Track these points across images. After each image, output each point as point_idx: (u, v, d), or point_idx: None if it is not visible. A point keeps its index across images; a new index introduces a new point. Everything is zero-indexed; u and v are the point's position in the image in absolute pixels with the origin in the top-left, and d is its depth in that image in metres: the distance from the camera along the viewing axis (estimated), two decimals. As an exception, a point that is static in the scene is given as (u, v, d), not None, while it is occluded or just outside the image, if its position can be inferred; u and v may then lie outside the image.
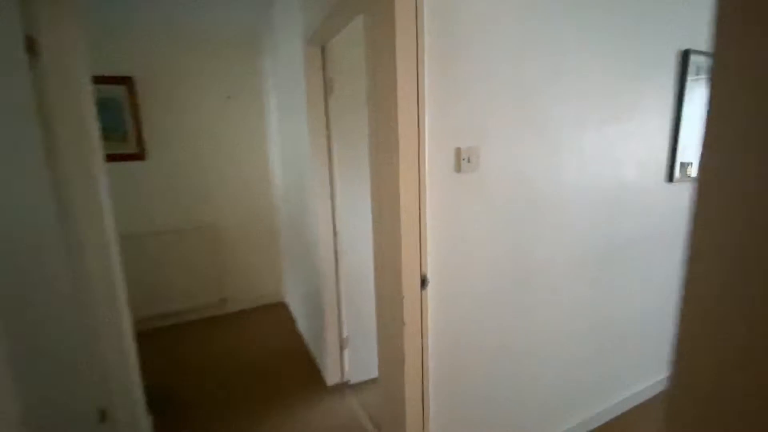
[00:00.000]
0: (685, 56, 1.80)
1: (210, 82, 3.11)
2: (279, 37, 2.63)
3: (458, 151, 1.27)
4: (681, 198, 2.02)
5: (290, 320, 3.21)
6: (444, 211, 1.29)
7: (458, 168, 1.28)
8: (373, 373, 2.24)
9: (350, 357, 2.29)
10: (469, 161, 1.29)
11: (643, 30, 1.64)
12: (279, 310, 3.45)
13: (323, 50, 1.96)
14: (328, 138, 2.03)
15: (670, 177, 1.90)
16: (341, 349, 2.31)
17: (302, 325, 2.94)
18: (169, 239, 3.11)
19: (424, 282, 1.25)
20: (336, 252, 2.17)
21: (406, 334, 1.22)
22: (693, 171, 1.99)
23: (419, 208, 1.21)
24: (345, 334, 2.28)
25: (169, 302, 3.17)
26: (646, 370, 2.12)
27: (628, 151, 1.73)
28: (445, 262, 1.32)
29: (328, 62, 1.96)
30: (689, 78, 1.82)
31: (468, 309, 1.41)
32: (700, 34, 1.86)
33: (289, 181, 2.79)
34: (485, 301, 1.45)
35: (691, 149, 1.96)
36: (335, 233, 2.14)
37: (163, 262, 3.11)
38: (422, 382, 1.29)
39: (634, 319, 1.99)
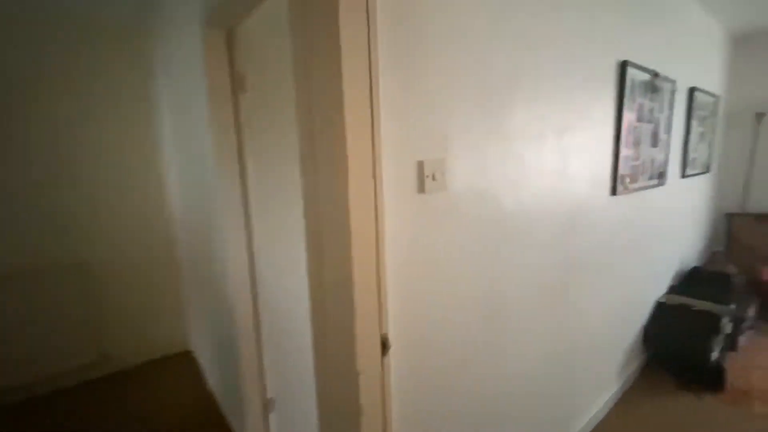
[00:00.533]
0: (623, 67, 1.77)
1: (72, 79, 2.41)
2: (169, 16, 2.08)
3: (421, 166, 0.96)
4: (624, 210, 2.00)
5: (197, 375, 2.59)
6: (408, 247, 0.97)
7: (422, 187, 0.97)
8: (309, 439, 1.81)
9: (278, 423, 1.82)
10: (434, 178, 0.99)
11: (588, 38, 1.54)
12: (182, 362, 2.78)
13: (230, 35, 1.53)
14: (241, 151, 1.58)
15: (614, 190, 1.85)
16: (265, 412, 1.83)
17: (214, 380, 2.36)
18: (15, 286, 2.29)
19: (385, 346, 0.90)
20: (254, 292, 1.71)
21: (363, 425, 0.86)
22: (630, 183, 1.98)
23: (376, 246, 0.87)
24: (269, 394, 1.81)
25: (19, 370, 2.32)
26: (603, 385, 2.05)
27: (582, 164, 1.62)
28: (410, 314, 0.99)
29: (238, 51, 1.53)
30: (627, 90, 1.80)
31: (440, 373, 1.10)
32: (635, 47, 1.86)
33: (191, 205, 2.22)
34: (460, 359, 1.16)
35: (631, 162, 1.95)
36: (253, 268, 1.69)
37: (7, 316, 2.27)
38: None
39: (593, 337, 1.90)
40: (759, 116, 3.44)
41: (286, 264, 1.41)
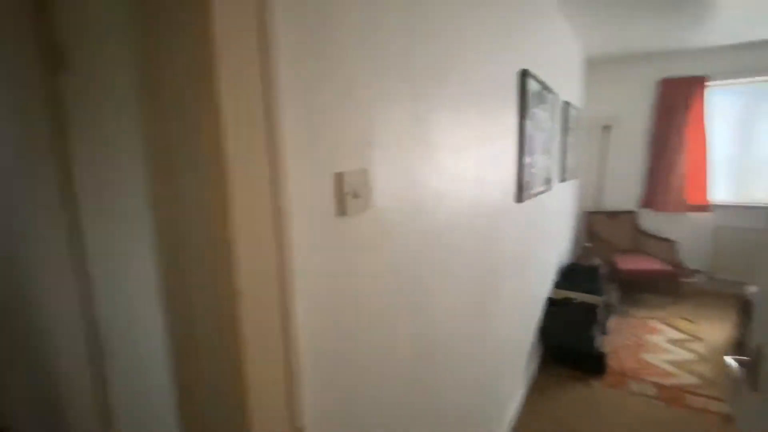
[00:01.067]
0: (524, 76, 1.79)
1: None
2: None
3: (340, 180, 0.71)
4: (526, 217, 2.04)
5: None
6: (328, 290, 0.70)
7: (342, 208, 0.71)
8: None
9: None
10: (356, 195, 0.74)
11: (497, 45, 1.49)
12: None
13: (39, -14, 1.04)
14: (64, 153, 1.09)
15: (519, 197, 1.87)
16: None
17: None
18: None
19: (300, 443, 0.62)
20: (98, 359, 1.22)
21: None
22: (530, 189, 2.04)
23: (283, 299, 0.59)
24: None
25: None
26: (515, 390, 2.07)
27: (495, 173, 1.56)
28: (333, 388, 0.73)
29: (58, 13, 1.05)
30: (527, 98, 1.83)
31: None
32: (530, 59, 1.91)
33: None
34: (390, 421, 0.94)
35: (531, 169, 2.00)
36: (93, 325, 1.19)
37: None
38: None
39: (508, 344, 1.88)
40: (606, 128, 4.08)
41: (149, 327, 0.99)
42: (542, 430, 2.02)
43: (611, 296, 3.07)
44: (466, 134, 1.25)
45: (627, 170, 4.13)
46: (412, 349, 1.01)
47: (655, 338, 2.91)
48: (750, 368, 0.82)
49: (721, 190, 3.77)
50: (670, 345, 2.81)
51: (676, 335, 2.95)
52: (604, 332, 2.81)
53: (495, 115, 1.51)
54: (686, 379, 2.38)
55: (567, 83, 3.01)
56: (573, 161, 3.47)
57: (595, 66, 4.09)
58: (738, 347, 2.79)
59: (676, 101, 3.69)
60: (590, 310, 2.60)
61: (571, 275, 3.19)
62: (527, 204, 2.03)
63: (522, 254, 2.05)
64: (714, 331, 3.00)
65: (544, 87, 2.14)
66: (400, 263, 0.92)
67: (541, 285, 2.66)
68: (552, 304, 2.72)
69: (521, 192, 1.86)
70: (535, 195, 2.16)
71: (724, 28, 3.07)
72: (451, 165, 1.15)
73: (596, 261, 3.22)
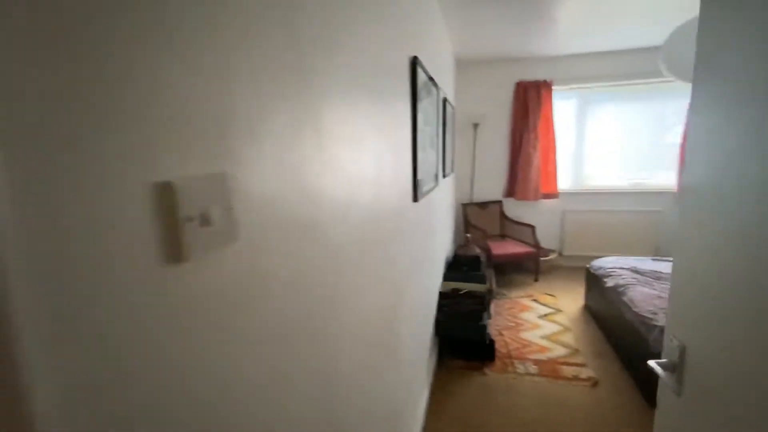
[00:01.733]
0: (414, 64, 1.64)
1: None
2: None
3: (168, 195, 0.37)
4: (422, 216, 1.93)
5: None
6: None
7: (175, 251, 0.38)
8: None
9: None
10: (206, 223, 0.42)
11: (387, 26, 1.29)
12: None
13: None
14: None
15: (415, 196, 1.73)
16: None
17: None
18: None
19: None
20: None
21: None
22: (426, 188, 1.93)
23: None
24: None
25: None
26: (419, 391, 1.95)
27: (393, 170, 1.37)
28: None
29: None
30: (418, 88, 1.69)
31: None
32: (419, 48, 1.77)
33: None
34: None
35: (424, 166, 1.88)
36: None
37: None
38: None
39: (412, 350, 1.73)
40: (475, 126, 4.39)
41: None
42: (447, 430, 1.97)
43: (491, 281, 3.28)
44: (363, 123, 1.00)
45: (493, 164, 4.53)
46: (315, 404, 0.73)
47: (528, 315, 3.22)
48: (673, 371, 0.79)
49: (566, 179, 4.43)
50: (540, 320, 3.13)
51: (543, 310, 3.32)
52: (489, 317, 2.97)
53: (389, 104, 1.30)
54: (558, 350, 2.66)
55: (444, 80, 3.05)
56: (451, 156, 3.60)
57: (464, 66, 4.35)
58: (587, 310, 3.28)
59: (530, 102, 4.17)
60: (478, 299, 2.69)
61: (456, 266, 3.30)
62: (422, 202, 1.92)
63: (419, 254, 1.94)
64: (570, 301, 3.48)
65: (430, 79, 2.06)
66: (290, 330, 0.63)
67: (434, 280, 2.64)
68: (443, 297, 2.73)
69: (417, 190, 1.73)
70: (428, 192, 2.08)
71: (564, 40, 3.55)
72: (349, 163, 0.89)
73: (476, 250, 3.42)
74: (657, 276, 2.74)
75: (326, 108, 0.77)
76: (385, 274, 1.26)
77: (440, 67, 2.74)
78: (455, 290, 2.88)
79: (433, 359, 2.48)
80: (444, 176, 3.06)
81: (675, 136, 4.02)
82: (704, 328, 0.72)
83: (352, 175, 0.91)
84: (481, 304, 2.63)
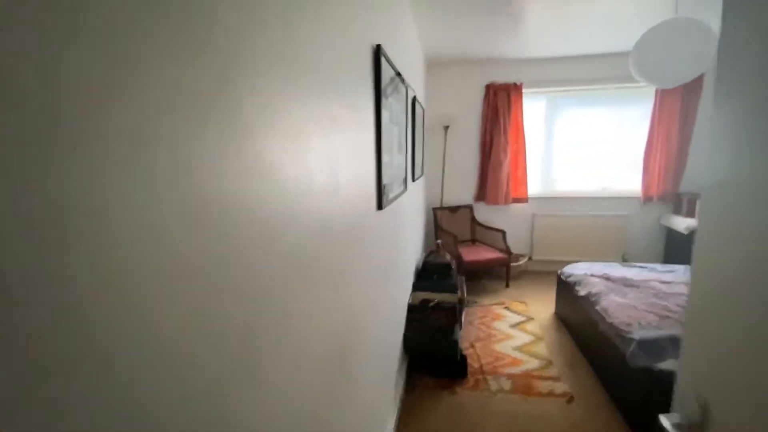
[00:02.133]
0: (377, 53, 1.44)
1: None
2: None
3: None
4: (389, 225, 1.73)
5: None
6: None
7: None
8: None
9: None
10: None
11: (347, 5, 1.09)
12: None
13: None
14: None
15: (380, 203, 1.54)
16: None
17: None
18: None
19: None
20: None
21: None
22: (394, 194, 1.74)
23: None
24: None
25: None
26: (389, 411, 1.75)
27: (352, 174, 1.17)
28: None
29: None
30: (383, 82, 1.49)
31: None
32: (384, 39, 1.58)
33: None
34: None
35: (391, 169, 1.69)
36: None
37: None
38: None
39: (380, 370, 1.53)
40: (446, 128, 4.27)
41: None
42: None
43: (462, 290, 3.14)
44: (311, 118, 0.79)
45: (463, 167, 4.43)
46: None
47: (500, 324, 3.10)
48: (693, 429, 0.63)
49: (535, 183, 4.39)
50: (512, 330, 3.02)
51: (515, 318, 3.21)
52: (461, 327, 2.82)
53: (346, 97, 1.10)
54: (531, 363, 2.55)
55: (414, 79, 2.89)
56: (421, 159, 3.44)
57: (434, 67, 4.22)
58: (558, 317, 3.21)
59: (500, 105, 4.10)
60: (449, 312, 2.53)
61: (426, 275, 3.14)
62: (389, 210, 1.73)
63: (385, 267, 1.75)
64: (541, 308, 3.40)
65: (398, 74, 1.87)
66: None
67: (403, 292, 2.45)
68: (412, 310, 2.56)
69: (382, 197, 1.53)
70: (395, 198, 1.89)
71: (535, 42, 3.49)
72: (288, 166, 0.68)
73: (447, 257, 3.28)
74: (628, 283, 2.69)
75: (248, 93, 0.55)
76: (340, 297, 1.05)
77: (409, 64, 2.57)
78: (425, 301, 2.71)
79: (402, 378, 2.30)
80: (414, 180, 2.89)
81: (640, 141, 4.07)
82: (738, 381, 0.56)
83: (292, 181, 0.70)
84: (452, 316, 2.47)
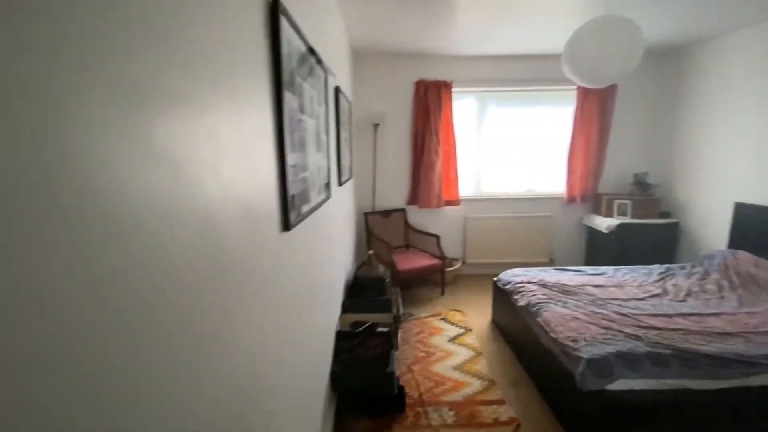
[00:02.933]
0: (274, 11, 1.03)
1: None
2: None
3: None
4: (300, 247, 1.32)
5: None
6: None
7: None
8: None
9: None
10: None
11: None
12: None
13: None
14: None
15: (286, 222, 1.12)
16: None
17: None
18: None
19: None
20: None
21: None
22: (302, 204, 1.34)
23: None
24: None
25: None
26: None
27: (237, 182, 0.74)
28: None
29: None
30: (284, 54, 1.08)
31: None
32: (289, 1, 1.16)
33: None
34: None
35: (303, 173, 1.28)
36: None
37: None
38: None
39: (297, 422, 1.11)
40: (375, 126, 3.94)
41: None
42: None
43: (398, 305, 2.84)
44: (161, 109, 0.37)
45: (396, 168, 4.16)
46: None
47: (438, 340, 2.86)
48: None
49: (467, 185, 4.27)
50: (451, 345, 2.79)
51: (453, 331, 3.00)
52: (396, 348, 2.51)
53: (227, 79, 0.68)
54: (473, 384, 2.32)
55: (338, 66, 2.50)
56: (348, 159, 3.07)
57: (362, 59, 3.87)
58: (495, 325, 3.07)
59: (431, 103, 3.88)
60: (384, 337, 2.20)
61: (358, 292, 2.78)
62: (303, 227, 1.32)
63: (304, 293, 1.34)
64: (478, 316, 3.24)
65: (311, 51, 1.47)
66: None
67: (328, 319, 2.06)
68: (341, 338, 2.17)
69: (289, 213, 1.12)
70: (313, 210, 1.49)
71: (464, 40, 3.31)
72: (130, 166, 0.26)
73: (380, 268, 2.95)
74: (564, 289, 2.60)
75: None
76: (238, 337, 0.63)
77: (332, 48, 2.18)
78: (357, 324, 2.35)
79: (330, 424, 1.90)
80: (340, 184, 2.50)
81: (564, 143, 4.14)
82: None
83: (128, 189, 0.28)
84: (387, 342, 2.13)
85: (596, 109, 3.96)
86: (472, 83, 3.99)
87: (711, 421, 1.72)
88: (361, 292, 2.72)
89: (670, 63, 3.87)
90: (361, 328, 2.25)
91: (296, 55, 1.24)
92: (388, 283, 2.83)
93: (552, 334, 2.07)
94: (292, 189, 1.17)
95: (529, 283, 2.72)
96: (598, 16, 2.19)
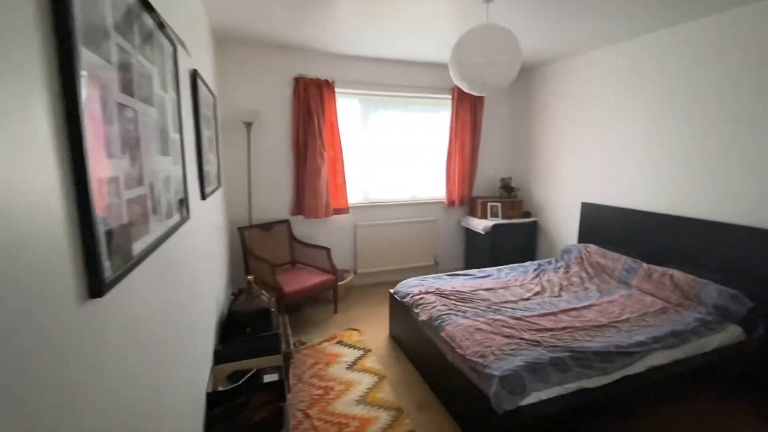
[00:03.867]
0: None
1: None
2: None
3: None
4: (128, 316, 0.83)
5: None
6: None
7: None
8: None
9: None
10: None
11: None
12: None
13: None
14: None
15: (95, 285, 0.64)
16: None
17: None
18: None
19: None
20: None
21: None
22: (133, 242, 0.85)
23: None
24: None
25: None
26: None
27: None
28: None
29: None
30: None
31: None
32: None
33: None
34: None
35: (138, 189, 0.79)
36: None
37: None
38: None
39: None
40: (248, 125, 3.39)
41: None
42: None
43: (287, 337, 2.40)
44: None
45: (276, 175, 3.66)
46: None
47: (337, 369, 2.52)
48: None
49: (355, 192, 4.04)
50: (351, 373, 2.48)
51: (351, 355, 2.70)
52: (280, 398, 2.08)
53: None
54: (381, 419, 2.06)
55: (194, 44, 1.94)
56: (214, 165, 2.50)
57: (228, 48, 3.27)
58: (394, 340, 2.89)
59: (313, 103, 3.53)
60: (272, 389, 1.76)
61: (236, 331, 2.24)
62: (137, 278, 0.83)
63: (143, 376, 0.85)
64: (375, 333, 3.02)
65: (148, 6, 0.98)
66: None
67: (195, 378, 1.52)
68: (215, 401, 1.65)
69: (101, 261, 0.65)
70: (158, 244, 0.99)
71: (346, 39, 3.06)
72: None
73: (263, 296, 2.45)
74: (461, 296, 2.57)
75: None
76: None
77: (185, 22, 1.63)
78: (236, 375, 1.84)
79: None
80: (204, 197, 1.95)
81: (443, 149, 4.28)
82: None
83: None
84: (277, 396, 1.70)
85: (468, 117, 4.19)
86: (355, 85, 3.78)
87: (605, 418, 1.82)
88: (240, 330, 2.20)
89: (528, 78, 4.35)
90: (241, 381, 1.76)
91: (109, 3, 0.76)
92: (273, 313, 2.36)
93: (459, 350, 1.95)
94: (112, 219, 0.69)
95: (427, 293, 2.61)
96: (483, 23, 2.19)
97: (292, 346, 2.33)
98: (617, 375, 1.81)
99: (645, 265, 2.79)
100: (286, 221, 3.66)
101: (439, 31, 2.94)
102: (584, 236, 3.62)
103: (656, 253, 2.90)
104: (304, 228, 3.78)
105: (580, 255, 3.29)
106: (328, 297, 3.52)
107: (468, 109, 4.17)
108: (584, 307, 2.44)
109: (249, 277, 2.43)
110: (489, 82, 2.24)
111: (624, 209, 3.23)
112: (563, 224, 3.99)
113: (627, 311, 2.35)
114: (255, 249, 3.29)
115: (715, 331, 2.13)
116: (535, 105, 4.30)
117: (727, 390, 2.20)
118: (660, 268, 2.68)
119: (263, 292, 2.52)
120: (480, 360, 1.81)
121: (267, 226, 3.52)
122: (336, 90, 3.64)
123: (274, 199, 3.67)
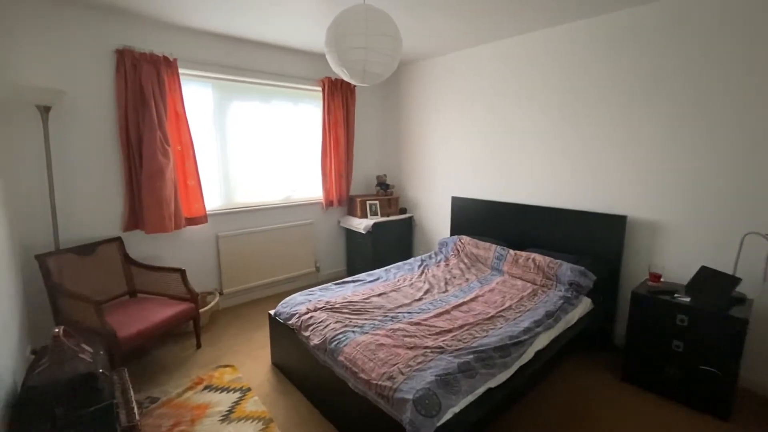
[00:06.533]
0: None
1: None
2: None
3: None
4: None
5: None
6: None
7: None
8: None
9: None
10: None
11: None
12: None
13: None
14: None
15: None
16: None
17: None
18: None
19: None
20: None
21: None
22: None
23: None
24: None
25: None
26: None
27: None
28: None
29: None
30: None
31: None
32: None
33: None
34: None
35: None
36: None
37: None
38: None
39: None
40: (44, 110, 2.40)
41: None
42: None
43: (129, 403, 1.74)
44: None
45: (97, 178, 2.74)
46: None
47: (207, 425, 1.97)
48: None
49: (214, 196, 3.37)
50: (228, 426, 1.97)
51: (225, 401, 2.17)
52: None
53: None
54: (273, 480, 1.65)
55: None
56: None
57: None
58: (278, 369, 2.47)
59: (148, 86, 2.74)
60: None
61: (39, 415, 1.48)
62: None
63: None
64: (254, 365, 2.53)
65: None
66: None
67: None
68: None
69: None
70: None
71: (186, 5, 2.43)
72: None
73: (84, 355, 1.71)
74: (354, 308, 2.32)
75: None
76: None
77: None
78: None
79: None
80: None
81: (317, 145, 3.96)
82: None
83: None
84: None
85: (341, 112, 3.97)
86: (207, 67, 3.12)
87: (510, 416, 1.82)
88: (46, 412, 1.46)
89: (398, 75, 4.37)
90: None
91: None
92: (101, 374, 1.66)
93: (362, 375, 1.70)
94: None
95: (316, 310, 2.28)
96: (360, 3, 1.96)
97: (136, 414, 1.68)
98: (514, 367, 1.84)
99: (512, 251, 3.05)
100: (117, 239, 2.78)
101: (305, 11, 2.60)
102: (456, 228, 3.82)
103: (520, 239, 3.21)
104: (144, 246, 2.95)
105: (456, 247, 3.43)
106: (188, 329, 2.83)
107: (340, 105, 3.94)
108: (471, 300, 2.49)
109: (56, 330, 1.66)
110: (370, 70, 2.03)
111: (489, 201, 3.50)
112: (437, 218, 4.15)
113: (507, 298, 2.49)
114: (68, 282, 2.37)
115: (575, 305, 2.42)
116: (405, 102, 4.36)
117: (584, 354, 2.55)
118: (524, 253, 2.96)
119: (83, 345, 1.77)
120: (388, 383, 1.59)
121: (87, 249, 2.60)
122: (180, 71, 2.93)
123: (96, 211, 2.75)
